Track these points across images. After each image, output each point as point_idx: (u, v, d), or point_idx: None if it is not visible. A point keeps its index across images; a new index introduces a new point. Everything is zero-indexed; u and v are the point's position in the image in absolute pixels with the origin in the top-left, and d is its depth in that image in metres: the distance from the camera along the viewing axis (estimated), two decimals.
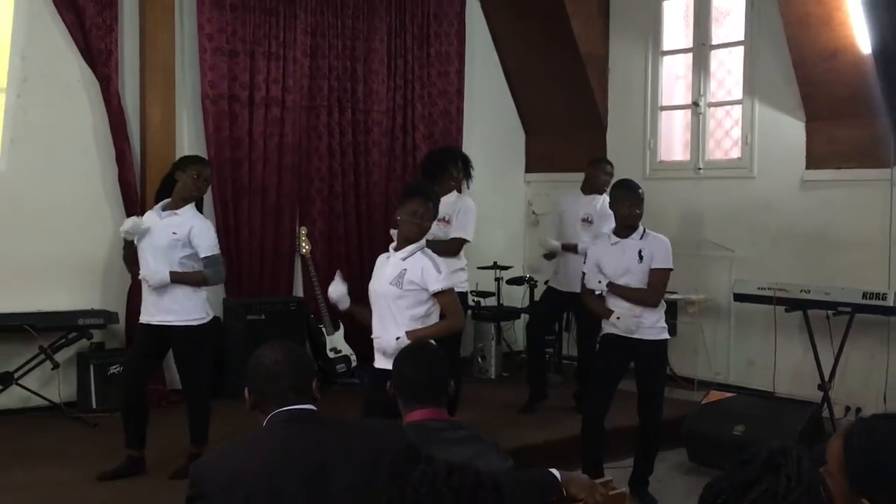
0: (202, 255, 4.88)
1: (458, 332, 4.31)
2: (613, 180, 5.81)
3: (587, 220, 6.39)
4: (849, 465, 1.85)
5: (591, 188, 6.49)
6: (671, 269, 5.09)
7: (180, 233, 4.83)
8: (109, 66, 6.42)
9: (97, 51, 6.38)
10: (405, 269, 4.18)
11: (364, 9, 7.58)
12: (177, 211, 4.89)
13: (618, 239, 5.13)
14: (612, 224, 5.53)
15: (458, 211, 5.82)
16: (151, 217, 4.96)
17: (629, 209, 5.05)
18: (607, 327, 5.15)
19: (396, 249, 4.28)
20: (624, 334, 5.01)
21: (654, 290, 5.05)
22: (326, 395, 2.55)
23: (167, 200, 4.95)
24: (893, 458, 1.83)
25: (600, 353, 5.27)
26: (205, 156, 6.71)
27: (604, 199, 6.16)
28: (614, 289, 5.02)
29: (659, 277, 5.04)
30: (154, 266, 4.83)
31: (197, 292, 4.92)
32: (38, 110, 6.31)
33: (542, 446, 5.75)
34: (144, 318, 4.93)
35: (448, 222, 5.75)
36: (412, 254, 4.22)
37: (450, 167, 5.94)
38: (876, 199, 6.37)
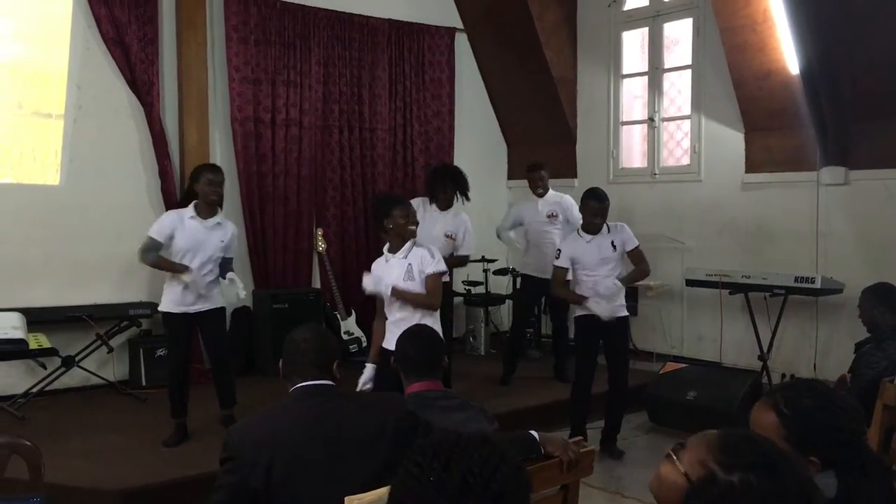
0: (228, 256, 4.96)
1: (433, 309, 4.21)
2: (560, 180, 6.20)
3: (553, 216, 6.56)
4: (790, 433, 1.80)
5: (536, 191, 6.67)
6: (639, 244, 5.20)
7: (226, 240, 4.89)
8: (152, 95, 6.38)
9: (141, 82, 6.35)
10: (411, 264, 4.19)
11: (369, 42, 7.55)
12: (220, 221, 4.88)
13: (591, 236, 5.14)
14: (564, 210, 6.38)
15: (463, 231, 5.84)
16: (194, 224, 4.80)
17: (593, 217, 5.10)
18: (579, 310, 5.15)
19: (392, 252, 4.24)
20: (595, 314, 5.02)
21: (641, 265, 5.23)
22: (340, 371, 2.55)
23: (193, 207, 4.83)
24: (827, 416, 1.81)
25: (580, 333, 5.25)
26: (235, 170, 6.73)
27: (551, 195, 6.61)
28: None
29: (638, 254, 5.20)
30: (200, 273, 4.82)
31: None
32: (91, 133, 6.28)
33: (526, 411, 5.75)
34: (181, 308, 4.81)
35: (454, 239, 5.81)
36: (410, 250, 4.23)
37: (438, 192, 5.91)
38: (804, 198, 6.37)
